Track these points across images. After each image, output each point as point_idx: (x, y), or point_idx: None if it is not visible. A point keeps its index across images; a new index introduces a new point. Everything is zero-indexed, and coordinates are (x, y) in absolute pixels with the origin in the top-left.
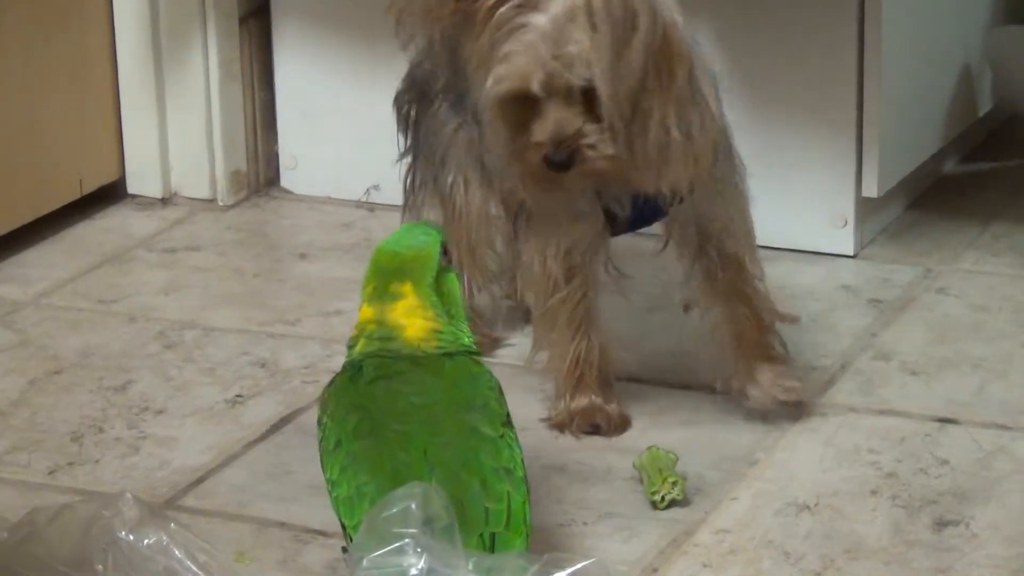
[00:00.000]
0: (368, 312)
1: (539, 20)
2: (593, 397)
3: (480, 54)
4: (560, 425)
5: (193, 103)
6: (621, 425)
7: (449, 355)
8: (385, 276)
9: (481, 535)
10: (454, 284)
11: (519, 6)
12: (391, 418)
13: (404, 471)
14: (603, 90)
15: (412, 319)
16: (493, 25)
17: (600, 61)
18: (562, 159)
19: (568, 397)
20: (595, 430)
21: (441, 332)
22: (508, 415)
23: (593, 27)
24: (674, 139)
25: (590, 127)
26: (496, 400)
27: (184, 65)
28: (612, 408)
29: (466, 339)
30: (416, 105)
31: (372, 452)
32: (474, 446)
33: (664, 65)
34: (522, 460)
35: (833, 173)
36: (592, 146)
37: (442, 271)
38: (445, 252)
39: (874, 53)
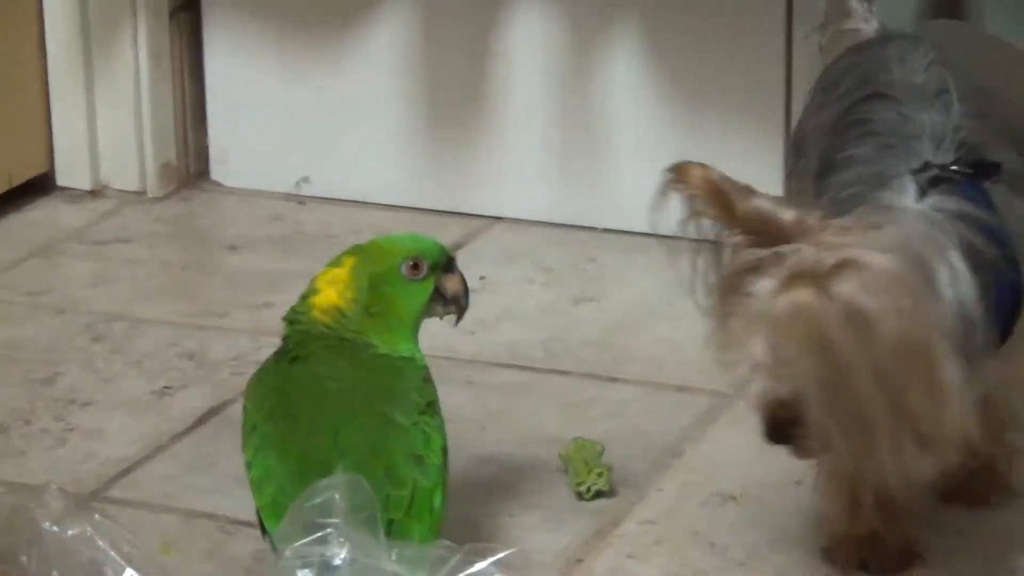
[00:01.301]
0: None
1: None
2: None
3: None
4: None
5: (123, 95)
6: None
7: (379, 355)
8: (350, 248)
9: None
10: (411, 299)
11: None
12: (306, 401)
13: (312, 454)
14: (810, 403)
15: (328, 288)
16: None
17: (806, 378)
18: (778, 440)
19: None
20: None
21: (344, 316)
22: (432, 404)
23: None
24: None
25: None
26: (417, 390)
27: (114, 57)
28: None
29: (404, 348)
30: None
31: (283, 435)
32: (385, 433)
33: (901, 383)
34: (442, 449)
35: (760, 163)
36: (805, 437)
37: (404, 281)
38: (445, 268)
39: (803, 50)
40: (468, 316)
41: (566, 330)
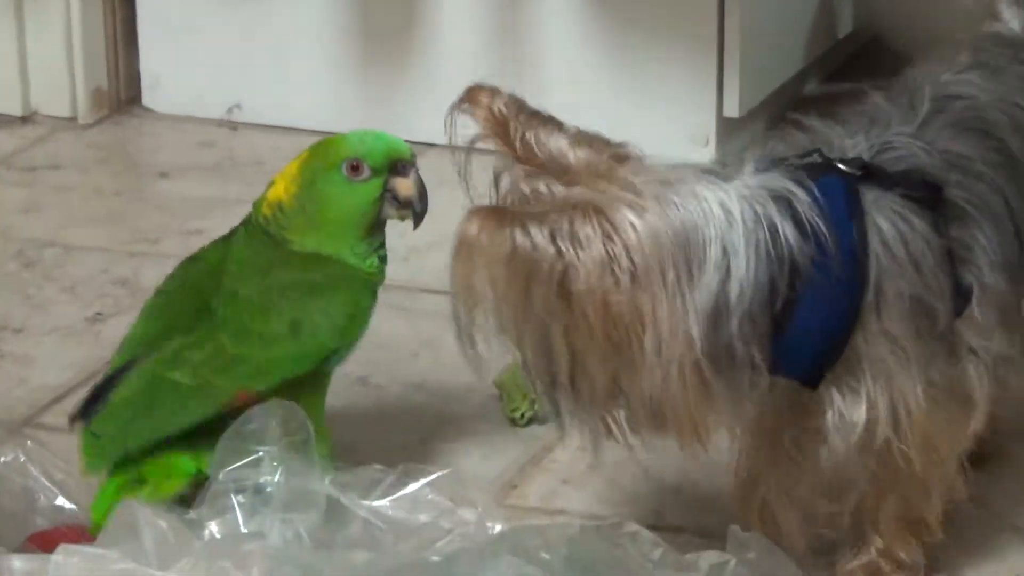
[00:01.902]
0: None
1: None
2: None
3: None
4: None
5: (53, 20)
6: None
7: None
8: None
9: None
10: (349, 200)
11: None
12: (195, 280)
13: (176, 319)
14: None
15: (280, 182)
16: None
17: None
18: None
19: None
20: None
21: (282, 211)
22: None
23: None
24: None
25: None
26: (298, 286)
27: None
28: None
29: (351, 260)
30: None
31: (160, 302)
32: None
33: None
34: (290, 325)
35: (695, 92)
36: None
37: (344, 181)
38: (395, 171)
39: None
40: (401, 243)
41: None
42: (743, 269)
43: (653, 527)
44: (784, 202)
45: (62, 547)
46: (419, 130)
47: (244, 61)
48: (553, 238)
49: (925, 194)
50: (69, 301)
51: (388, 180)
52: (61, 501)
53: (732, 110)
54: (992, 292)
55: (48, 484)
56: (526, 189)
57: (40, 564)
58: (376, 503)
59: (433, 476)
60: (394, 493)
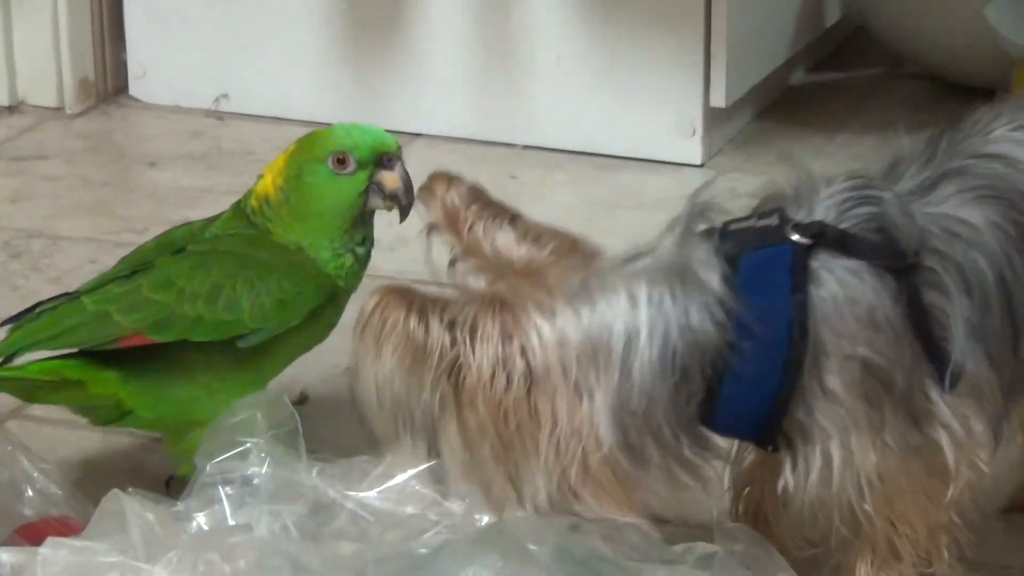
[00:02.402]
0: None
1: None
2: None
3: None
4: None
5: (39, 9)
6: None
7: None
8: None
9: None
10: (335, 193)
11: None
12: (175, 238)
13: (130, 266)
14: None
15: (268, 174)
16: None
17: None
18: None
19: None
20: None
21: (268, 203)
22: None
23: None
24: None
25: None
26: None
27: None
28: None
29: (325, 254)
30: None
31: (131, 254)
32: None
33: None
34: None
35: (682, 82)
36: None
37: (329, 174)
38: (381, 164)
39: None
40: (388, 233)
41: None
42: (646, 356)
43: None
44: (694, 283)
45: (50, 540)
46: (407, 120)
47: (231, 51)
48: (451, 327)
49: (886, 261)
50: (56, 292)
51: (374, 173)
52: (48, 493)
53: (719, 100)
54: (962, 366)
55: (35, 476)
56: (464, 281)
57: (28, 557)
58: (363, 495)
59: (420, 468)
60: (381, 484)
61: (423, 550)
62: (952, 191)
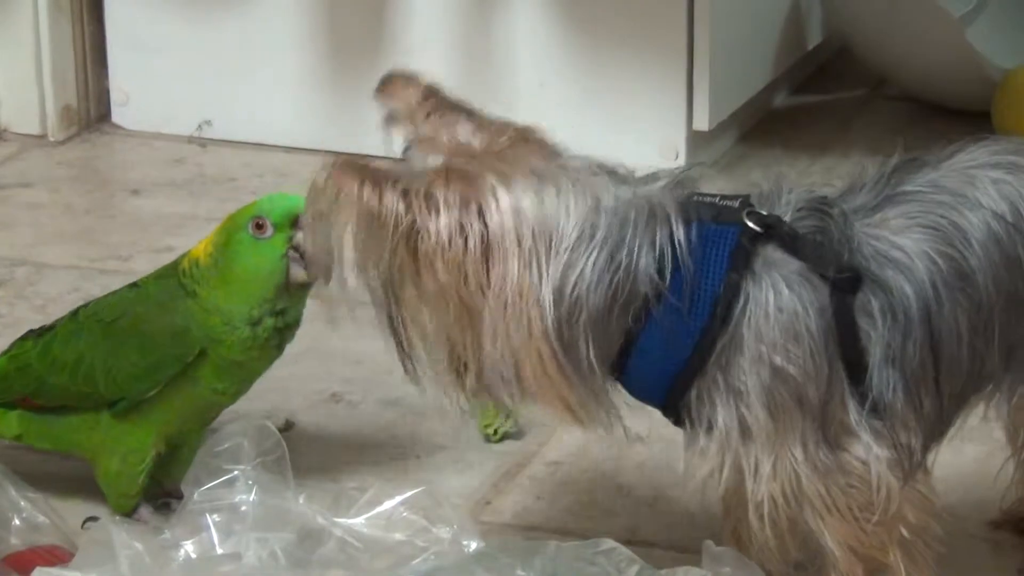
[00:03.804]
0: None
1: None
2: None
3: None
4: None
5: (21, 37)
6: None
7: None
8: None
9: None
10: (256, 258)
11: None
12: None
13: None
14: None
15: (205, 241)
16: None
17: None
18: None
19: None
20: None
21: (197, 266)
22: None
23: None
24: None
25: None
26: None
27: None
28: None
29: (240, 321)
30: None
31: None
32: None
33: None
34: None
35: (664, 105)
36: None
37: (252, 240)
38: (298, 225)
39: None
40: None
41: None
42: (593, 265)
43: (628, 542)
44: (660, 227)
45: (38, 570)
46: (389, 146)
47: (214, 78)
48: (405, 194)
49: (823, 270)
50: (41, 320)
51: (292, 236)
52: (36, 522)
53: (702, 123)
54: (878, 390)
55: (23, 505)
56: (421, 164)
57: None
58: (351, 521)
59: (408, 494)
60: (369, 511)
61: None
62: (893, 215)
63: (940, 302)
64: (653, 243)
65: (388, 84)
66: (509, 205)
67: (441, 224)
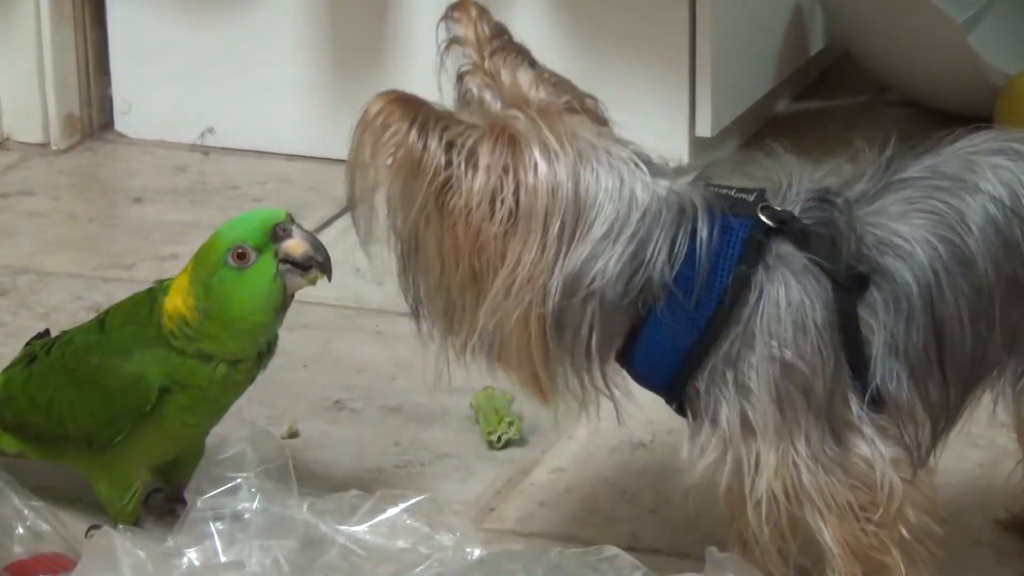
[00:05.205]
0: None
1: None
2: None
3: None
4: None
5: (24, 46)
6: None
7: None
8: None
9: None
10: (251, 288)
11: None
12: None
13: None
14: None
15: (175, 295)
16: None
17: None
18: None
19: None
20: None
21: (188, 325)
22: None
23: None
24: None
25: None
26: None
27: (14, 6)
28: None
29: (238, 350)
30: None
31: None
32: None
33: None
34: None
35: (666, 112)
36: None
37: (236, 272)
38: (278, 237)
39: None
40: (375, 266)
41: None
42: (616, 261)
43: (630, 549)
44: (686, 224)
45: None
46: None
47: (216, 86)
48: (449, 147)
49: (832, 265)
50: (44, 328)
51: (277, 250)
52: (39, 530)
53: (704, 130)
54: (883, 383)
55: (26, 513)
56: (477, 95)
57: None
58: (354, 529)
59: (411, 501)
60: (372, 519)
61: None
62: (893, 201)
63: (941, 287)
64: (675, 239)
65: (460, 8)
66: (545, 183)
67: (476, 186)
